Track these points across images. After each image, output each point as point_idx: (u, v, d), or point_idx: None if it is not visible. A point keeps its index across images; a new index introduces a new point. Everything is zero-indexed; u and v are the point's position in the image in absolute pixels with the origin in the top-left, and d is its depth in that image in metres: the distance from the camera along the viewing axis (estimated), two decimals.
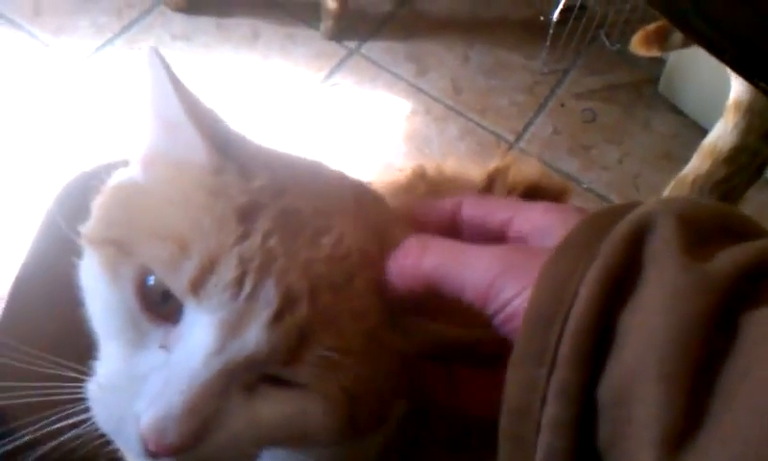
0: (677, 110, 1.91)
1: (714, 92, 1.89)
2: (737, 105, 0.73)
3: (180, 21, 1.82)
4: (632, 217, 0.36)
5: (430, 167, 0.57)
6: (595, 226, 0.37)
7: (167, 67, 0.43)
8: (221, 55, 1.78)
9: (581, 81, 1.94)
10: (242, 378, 0.40)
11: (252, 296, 0.38)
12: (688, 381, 0.31)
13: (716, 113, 1.82)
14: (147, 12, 1.82)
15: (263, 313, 0.38)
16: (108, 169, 0.91)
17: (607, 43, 1.95)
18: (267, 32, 1.84)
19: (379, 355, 0.42)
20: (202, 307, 0.39)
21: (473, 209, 0.45)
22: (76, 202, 0.91)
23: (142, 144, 0.46)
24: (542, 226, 0.41)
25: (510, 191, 0.58)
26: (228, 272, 0.38)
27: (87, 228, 0.45)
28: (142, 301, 0.40)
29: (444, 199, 0.46)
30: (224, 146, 0.43)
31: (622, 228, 0.35)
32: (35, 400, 0.44)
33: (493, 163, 0.59)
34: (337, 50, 1.85)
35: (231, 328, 0.38)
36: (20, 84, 1.64)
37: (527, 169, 0.59)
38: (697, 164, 0.75)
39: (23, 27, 1.74)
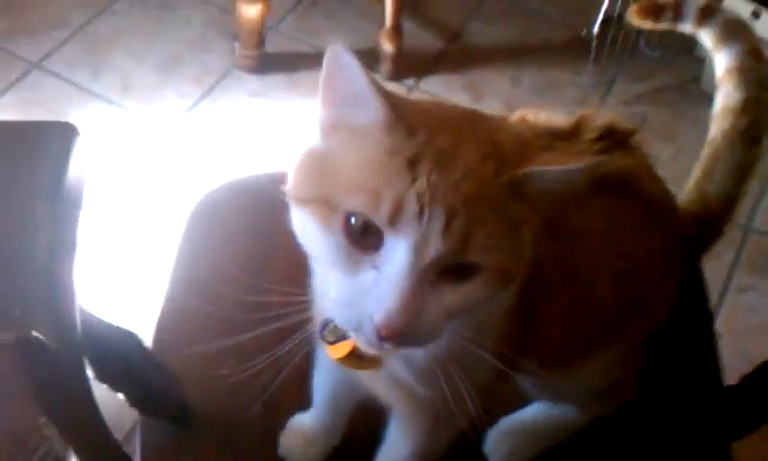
0: None
1: None
2: (729, 70, 0.86)
3: (254, 81, 2.00)
4: None
5: (530, 114, 0.71)
6: None
7: (353, 55, 0.56)
8: (294, 105, 1.95)
9: (627, 88, 2.07)
10: (431, 277, 0.56)
11: (429, 219, 0.54)
12: None
13: None
14: (224, 75, 2.01)
15: (437, 228, 0.54)
16: (228, 187, 1.08)
17: (647, 51, 2.08)
18: None
19: (517, 230, 0.58)
20: (398, 234, 0.55)
21: None
22: (210, 213, 1.07)
23: (319, 120, 0.60)
24: None
25: (591, 131, 0.72)
26: (411, 207, 0.54)
27: (291, 188, 0.61)
28: (349, 237, 0.56)
29: None
30: (394, 110, 0.57)
31: None
32: None
33: (579, 113, 0.74)
34: (398, 89, 2.01)
35: (420, 244, 0.54)
36: (117, 151, 1.82)
37: (604, 116, 0.73)
38: (719, 126, 0.87)
39: (115, 102, 1.94)
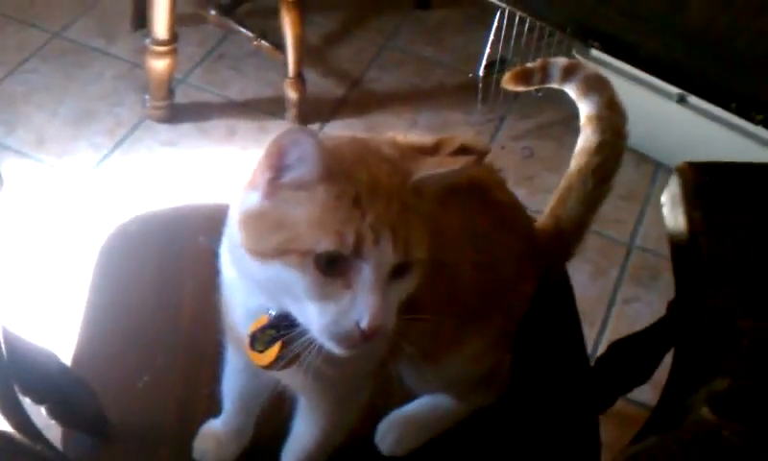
0: None
1: (629, 114, 2.19)
2: (589, 118, 1.02)
3: (165, 130, 2.10)
4: None
5: (399, 136, 0.85)
6: None
7: (313, 134, 0.69)
8: (204, 153, 2.05)
9: (516, 125, 2.25)
10: (386, 280, 0.70)
11: (382, 241, 0.68)
12: None
13: (633, 131, 2.12)
14: (136, 126, 2.10)
15: (389, 246, 0.69)
16: (138, 219, 1.18)
17: (532, 91, 2.26)
18: (241, 128, 2.13)
19: (426, 224, 0.73)
20: (363, 258, 0.68)
21: None
22: (122, 243, 1.15)
23: (260, 183, 0.71)
24: None
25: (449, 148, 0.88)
26: (369, 236, 0.68)
27: (248, 245, 0.71)
28: (320, 271, 0.68)
29: None
30: (331, 163, 0.70)
31: None
32: None
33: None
34: None
35: (380, 261, 0.68)
36: (34, 201, 1.89)
37: (460, 137, 0.88)
38: (576, 163, 1.04)
39: (30, 155, 2.00)
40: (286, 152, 0.69)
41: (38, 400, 0.89)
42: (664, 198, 0.86)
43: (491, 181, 0.94)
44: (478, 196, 0.91)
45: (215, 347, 0.92)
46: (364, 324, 0.68)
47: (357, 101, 2.27)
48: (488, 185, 0.93)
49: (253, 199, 0.72)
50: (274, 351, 0.77)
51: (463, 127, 2.19)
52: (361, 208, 0.68)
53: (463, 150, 0.89)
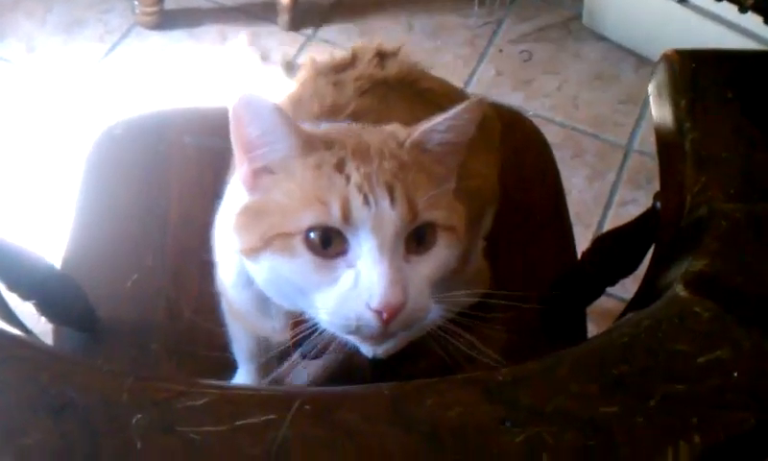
0: (601, 38, 2.16)
1: (629, 16, 2.16)
2: None
3: (155, 36, 2.06)
4: None
5: (316, 57, 0.89)
6: None
7: (263, 98, 0.64)
8: (196, 58, 2.02)
9: (513, 28, 2.20)
10: (401, 254, 0.63)
11: (376, 201, 0.62)
12: None
13: (633, 33, 2.08)
14: (125, 33, 2.07)
15: (386, 205, 0.62)
16: (125, 123, 1.16)
17: None
18: (233, 34, 2.09)
19: (444, 188, 0.67)
20: (357, 227, 0.61)
21: None
22: (109, 146, 1.15)
23: (241, 176, 0.67)
24: None
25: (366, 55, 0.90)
26: (356, 199, 0.61)
27: (243, 247, 0.66)
28: (314, 252, 0.62)
29: None
30: (307, 134, 0.65)
31: None
32: None
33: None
34: (297, 38, 2.10)
35: (377, 225, 0.61)
36: (23, 111, 1.88)
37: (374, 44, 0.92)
38: None
39: (20, 63, 1.98)
40: (243, 122, 0.64)
41: (25, 295, 0.90)
42: (651, 87, 0.84)
43: (414, 74, 0.92)
44: (410, 89, 0.89)
45: (202, 246, 0.92)
46: (375, 303, 0.60)
47: (351, 4, 2.22)
48: (415, 77, 0.91)
49: (242, 197, 0.68)
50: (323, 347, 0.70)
51: (459, 30, 2.15)
52: (345, 173, 0.63)
53: (379, 54, 0.90)
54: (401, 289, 0.61)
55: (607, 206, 1.86)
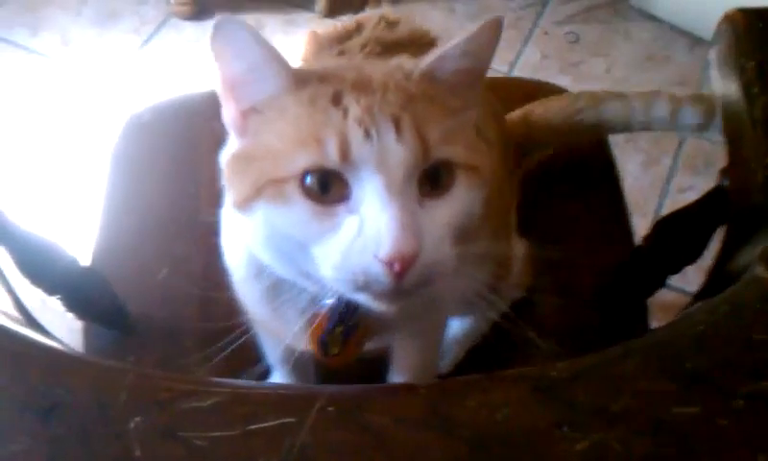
0: (651, 17, 2.06)
1: None
2: None
3: (190, 27, 2.02)
4: None
5: (319, 30, 0.81)
6: None
7: (241, 22, 0.55)
8: None
9: (558, 9, 2.11)
10: (414, 196, 0.54)
11: (379, 134, 0.53)
12: None
13: (686, 11, 1.98)
14: (161, 24, 2.03)
15: (391, 137, 0.53)
16: (152, 109, 1.10)
17: None
18: (270, 21, 2.04)
19: (463, 122, 0.58)
20: (358, 166, 0.53)
21: None
22: (137, 133, 1.10)
23: (230, 120, 0.59)
24: None
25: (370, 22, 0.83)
26: (355, 134, 0.53)
27: (234, 199, 0.57)
28: (312, 198, 0.53)
29: None
30: (299, 70, 0.57)
31: None
32: None
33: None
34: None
35: (382, 162, 0.53)
36: (58, 103, 1.85)
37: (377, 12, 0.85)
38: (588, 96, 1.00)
39: (55, 57, 1.95)
40: (225, 56, 0.56)
41: (49, 290, 0.85)
42: (712, 53, 0.76)
43: (429, 35, 0.84)
44: (427, 48, 0.80)
45: None
46: (383, 252, 0.51)
47: None
48: (430, 39, 0.84)
49: (232, 144, 0.60)
50: (353, 346, 0.64)
51: (502, 12, 2.06)
52: (343, 106, 0.54)
53: (385, 20, 0.83)
54: (414, 235, 0.51)
55: (663, 194, 1.77)
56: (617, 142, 1.70)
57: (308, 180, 0.53)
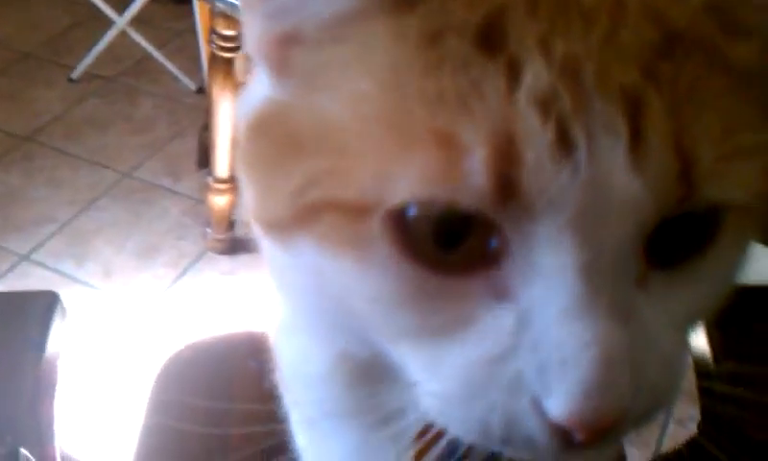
0: None
1: None
2: None
3: (225, 261, 2.18)
4: None
5: None
6: None
7: None
8: (262, 282, 2.10)
9: None
10: (632, 270, 0.29)
11: (592, 145, 0.26)
12: None
13: None
14: (197, 258, 2.19)
15: (613, 152, 0.26)
16: (191, 348, 1.22)
17: None
18: None
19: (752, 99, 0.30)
20: (527, 212, 0.27)
21: None
22: (175, 371, 1.20)
23: (256, 50, 0.34)
24: None
25: None
26: (538, 140, 0.26)
27: (260, 211, 0.35)
28: (423, 259, 0.29)
29: None
30: None
31: None
32: None
33: None
34: None
35: (584, 211, 0.27)
36: (99, 330, 1.97)
37: None
38: None
39: (96, 287, 2.10)
40: None
41: None
42: None
43: None
44: None
45: None
46: (558, 410, 0.28)
47: None
48: None
49: (256, 94, 0.34)
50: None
51: None
52: (508, 57, 0.27)
53: None
54: (625, 380, 0.28)
55: None
56: None
57: (414, 218, 0.28)
